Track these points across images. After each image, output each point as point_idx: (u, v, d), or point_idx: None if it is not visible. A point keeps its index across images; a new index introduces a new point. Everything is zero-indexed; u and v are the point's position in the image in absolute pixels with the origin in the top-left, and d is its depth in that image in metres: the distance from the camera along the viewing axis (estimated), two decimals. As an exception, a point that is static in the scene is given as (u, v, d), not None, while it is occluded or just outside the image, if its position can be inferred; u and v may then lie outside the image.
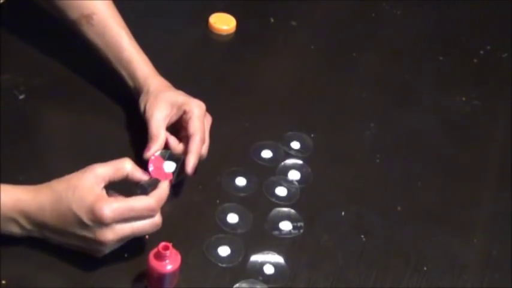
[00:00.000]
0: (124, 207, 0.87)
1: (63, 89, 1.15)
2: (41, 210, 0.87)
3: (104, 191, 0.89)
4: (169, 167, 1.00)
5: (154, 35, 1.28)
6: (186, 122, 1.03)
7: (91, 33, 1.11)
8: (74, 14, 1.11)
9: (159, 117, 1.04)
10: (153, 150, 1.01)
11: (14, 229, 0.89)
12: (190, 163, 1.00)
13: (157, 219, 0.91)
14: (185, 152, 1.02)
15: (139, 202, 0.89)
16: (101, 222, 0.86)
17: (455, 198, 1.13)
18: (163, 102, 1.05)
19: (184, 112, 1.04)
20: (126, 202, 0.88)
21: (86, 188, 0.87)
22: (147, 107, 1.05)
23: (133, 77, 1.09)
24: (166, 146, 1.03)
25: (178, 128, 1.06)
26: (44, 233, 0.89)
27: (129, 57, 1.10)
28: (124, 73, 1.10)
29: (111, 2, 1.13)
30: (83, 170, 0.89)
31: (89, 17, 1.10)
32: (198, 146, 1.01)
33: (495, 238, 1.08)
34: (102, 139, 1.09)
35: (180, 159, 1.00)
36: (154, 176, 0.97)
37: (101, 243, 0.87)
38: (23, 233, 0.89)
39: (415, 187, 1.13)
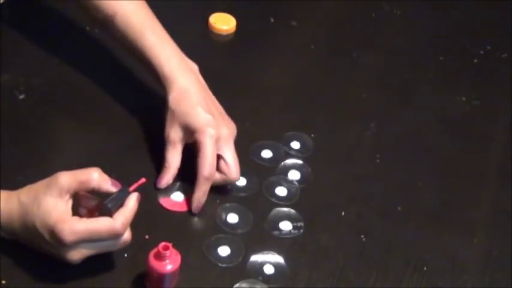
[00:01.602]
0: (86, 229, 0.84)
1: (63, 89, 1.15)
2: (9, 217, 0.87)
3: (69, 204, 0.86)
4: (178, 197, 1.01)
5: (154, 35, 1.28)
6: (197, 154, 1.01)
7: (115, 34, 1.09)
8: (98, 15, 1.09)
9: (175, 140, 1.02)
10: (166, 181, 1.01)
11: None
12: (194, 204, 1.00)
13: (125, 237, 0.87)
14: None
15: (102, 225, 0.85)
16: (62, 244, 0.84)
17: (455, 198, 1.13)
18: (178, 124, 1.02)
19: (196, 142, 1.01)
20: (89, 224, 0.85)
21: (50, 205, 0.84)
22: (166, 125, 1.02)
23: (156, 77, 1.05)
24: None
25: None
26: (16, 237, 0.89)
27: (151, 56, 1.05)
28: (151, 73, 1.07)
29: (141, 2, 1.10)
30: (48, 180, 0.86)
31: (112, 17, 1.08)
32: (201, 185, 0.99)
33: (495, 238, 1.08)
34: (102, 139, 1.09)
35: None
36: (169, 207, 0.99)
37: (67, 260, 0.86)
38: None
39: (415, 187, 1.13)
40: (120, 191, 0.88)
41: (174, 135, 1.02)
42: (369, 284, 0.98)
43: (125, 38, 1.08)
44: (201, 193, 1.00)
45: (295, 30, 1.40)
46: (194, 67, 1.09)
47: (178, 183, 1.03)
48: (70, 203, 0.87)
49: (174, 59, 1.06)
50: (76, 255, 0.86)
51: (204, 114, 1.02)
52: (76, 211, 0.87)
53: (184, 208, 1.01)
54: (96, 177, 0.87)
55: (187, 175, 1.03)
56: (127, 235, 0.88)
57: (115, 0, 1.08)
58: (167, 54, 1.06)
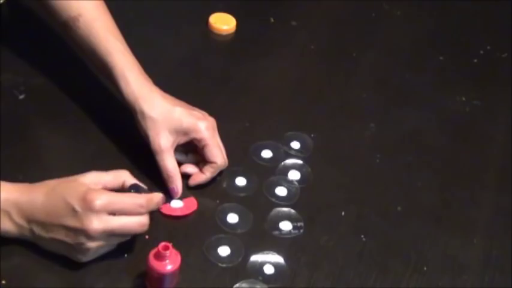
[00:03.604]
0: (114, 198, 0.88)
1: (63, 89, 1.15)
2: (32, 203, 0.88)
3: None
4: (177, 204, 1.02)
5: (154, 35, 1.28)
6: (201, 149, 1.03)
7: (77, 36, 1.07)
8: (61, 16, 1.07)
9: (167, 146, 1.01)
10: (180, 189, 1.02)
11: (7, 224, 0.88)
12: (197, 181, 1.03)
13: (144, 219, 0.90)
14: (199, 166, 1.04)
15: (129, 197, 0.90)
16: (90, 209, 0.86)
17: (455, 198, 1.13)
18: (166, 129, 1.01)
19: (195, 140, 1.02)
20: (117, 195, 0.89)
21: (81, 183, 0.89)
22: (150, 137, 1.01)
23: (117, 83, 1.03)
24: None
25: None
26: (33, 227, 0.88)
27: (114, 61, 1.03)
28: (109, 78, 1.05)
29: (101, 3, 1.08)
30: (80, 174, 0.91)
31: (75, 19, 1.06)
32: (214, 173, 1.04)
33: (495, 238, 1.08)
34: (102, 139, 1.09)
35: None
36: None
37: (86, 232, 0.86)
38: (14, 230, 0.89)
39: (415, 187, 1.13)
40: (147, 190, 0.94)
41: (165, 142, 1.01)
42: (369, 284, 0.98)
43: (87, 41, 1.06)
44: (209, 177, 1.03)
45: (295, 30, 1.40)
46: (150, 80, 1.06)
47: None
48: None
49: (137, 68, 1.05)
50: (97, 223, 0.86)
51: (187, 112, 1.03)
52: None
53: (184, 212, 1.01)
54: (127, 175, 0.93)
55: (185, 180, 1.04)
56: (146, 218, 0.90)
57: (78, 1, 1.06)
58: (131, 64, 1.04)
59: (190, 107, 1.05)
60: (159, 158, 1.01)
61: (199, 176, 1.04)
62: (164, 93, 1.04)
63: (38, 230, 0.88)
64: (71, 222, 0.86)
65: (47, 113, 1.12)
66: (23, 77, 1.15)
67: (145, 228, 0.91)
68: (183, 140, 1.03)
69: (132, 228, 0.90)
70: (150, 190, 0.95)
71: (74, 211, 0.86)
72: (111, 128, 1.10)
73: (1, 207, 0.87)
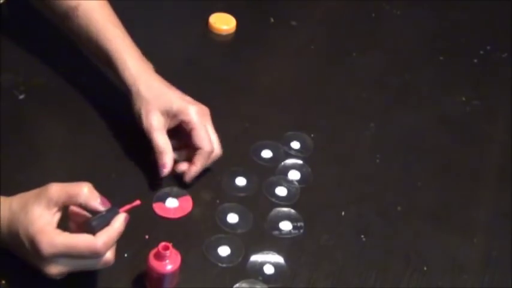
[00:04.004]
0: (64, 244, 0.81)
1: (63, 89, 1.15)
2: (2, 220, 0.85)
3: (56, 217, 0.83)
4: (172, 203, 1.01)
5: (154, 35, 1.28)
6: (189, 133, 1.02)
7: (77, 26, 1.07)
8: (61, 8, 1.09)
9: (159, 127, 1.01)
10: (170, 165, 0.99)
11: None
12: (191, 175, 1.01)
13: (107, 256, 0.83)
14: (191, 162, 1.02)
15: (82, 241, 0.82)
16: (40, 257, 0.81)
17: (455, 198, 1.13)
18: (157, 110, 1.01)
19: (183, 122, 1.02)
20: (68, 239, 0.81)
21: (36, 214, 0.82)
22: (143, 116, 1.01)
23: (117, 69, 1.04)
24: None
25: (174, 133, 1.04)
26: (5, 246, 0.86)
27: (113, 48, 1.04)
28: (109, 66, 1.06)
29: None
30: (39, 190, 0.84)
31: (75, 9, 1.07)
32: (204, 160, 1.02)
33: (495, 238, 1.08)
34: (102, 139, 1.09)
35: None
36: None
37: (45, 274, 0.83)
38: None
39: (415, 187, 1.13)
40: (108, 210, 0.84)
41: (157, 122, 1.01)
42: (369, 284, 0.98)
43: (86, 30, 1.06)
44: (199, 167, 1.01)
45: (295, 30, 1.40)
46: (151, 65, 1.07)
47: (174, 189, 1.03)
48: (58, 215, 0.84)
49: (137, 53, 1.06)
50: (54, 269, 0.83)
51: (179, 96, 1.03)
52: (66, 225, 0.85)
53: (177, 215, 1.00)
54: (85, 193, 0.83)
55: (180, 179, 1.03)
56: (109, 255, 0.84)
57: None
58: (130, 49, 1.05)
59: (185, 95, 1.05)
60: (151, 135, 1.00)
61: (190, 168, 1.02)
62: (162, 79, 1.05)
63: (9, 248, 0.86)
64: (30, 258, 0.84)
65: (47, 113, 1.12)
66: (23, 77, 1.15)
67: (110, 264, 0.84)
68: (173, 123, 1.02)
69: (92, 267, 0.85)
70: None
71: (29, 252, 0.82)
72: (111, 128, 1.10)
73: None
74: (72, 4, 1.08)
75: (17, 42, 1.20)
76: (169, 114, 1.02)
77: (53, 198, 0.82)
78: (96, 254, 0.82)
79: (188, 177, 1.02)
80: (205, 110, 1.04)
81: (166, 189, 1.03)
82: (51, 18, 1.19)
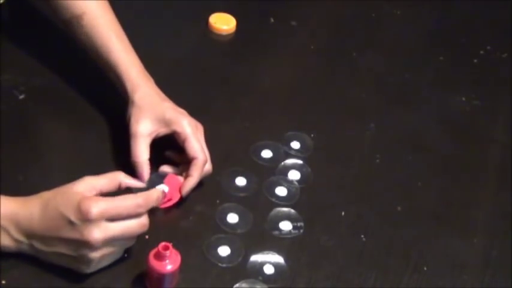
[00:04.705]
0: (110, 204, 0.86)
1: (63, 89, 1.15)
2: (30, 219, 0.86)
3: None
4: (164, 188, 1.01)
5: (154, 35, 1.28)
6: (182, 144, 1.02)
7: (81, 34, 1.09)
8: (65, 14, 1.09)
9: (143, 134, 1.01)
10: (145, 176, 1.00)
11: (6, 240, 0.87)
12: (188, 187, 1.00)
13: (143, 219, 0.89)
14: (186, 174, 1.02)
15: (126, 199, 0.88)
16: (87, 219, 0.84)
17: (455, 198, 1.13)
18: (148, 117, 1.02)
19: (176, 133, 1.02)
20: (113, 200, 0.87)
21: (75, 192, 0.86)
22: (131, 121, 1.02)
23: (119, 81, 1.06)
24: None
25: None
26: (33, 243, 0.87)
27: (116, 60, 1.06)
28: (111, 76, 1.08)
29: (105, 2, 1.11)
30: (73, 182, 0.88)
31: (79, 18, 1.08)
32: (200, 170, 1.01)
33: (495, 238, 1.08)
34: (102, 139, 1.09)
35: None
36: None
37: (88, 243, 0.85)
38: (14, 246, 0.87)
39: (415, 187, 1.13)
40: (145, 187, 0.96)
41: (143, 128, 1.01)
42: (369, 284, 0.98)
43: (90, 39, 1.08)
44: (196, 178, 1.01)
45: (295, 30, 1.40)
46: (151, 79, 1.08)
47: (155, 174, 1.02)
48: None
49: (140, 67, 1.07)
50: (99, 234, 0.84)
51: (174, 108, 1.04)
52: None
53: (169, 204, 1.00)
54: (123, 176, 0.91)
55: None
56: (145, 218, 0.89)
57: (82, 0, 1.08)
58: (133, 59, 1.07)
59: (180, 108, 1.05)
60: (131, 142, 1.01)
61: (188, 181, 1.01)
62: (160, 91, 1.06)
63: (38, 245, 0.87)
64: (71, 234, 0.85)
65: (47, 113, 1.12)
66: (23, 77, 1.15)
67: (146, 228, 0.90)
68: (163, 131, 1.02)
69: (133, 231, 0.89)
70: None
71: (71, 223, 0.84)
72: (111, 128, 1.10)
73: (0, 223, 0.86)
74: (77, 12, 1.08)
75: (17, 42, 1.20)
76: (160, 123, 1.02)
77: (91, 183, 0.88)
78: (138, 208, 0.88)
79: (185, 190, 1.01)
80: (198, 125, 1.05)
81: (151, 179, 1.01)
82: (52, 19, 1.19)
